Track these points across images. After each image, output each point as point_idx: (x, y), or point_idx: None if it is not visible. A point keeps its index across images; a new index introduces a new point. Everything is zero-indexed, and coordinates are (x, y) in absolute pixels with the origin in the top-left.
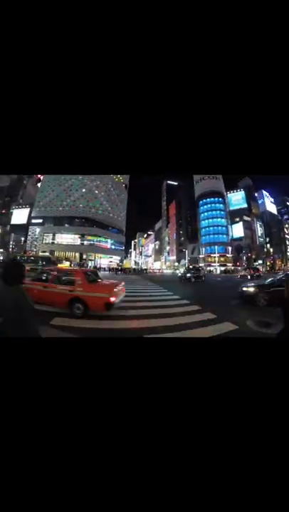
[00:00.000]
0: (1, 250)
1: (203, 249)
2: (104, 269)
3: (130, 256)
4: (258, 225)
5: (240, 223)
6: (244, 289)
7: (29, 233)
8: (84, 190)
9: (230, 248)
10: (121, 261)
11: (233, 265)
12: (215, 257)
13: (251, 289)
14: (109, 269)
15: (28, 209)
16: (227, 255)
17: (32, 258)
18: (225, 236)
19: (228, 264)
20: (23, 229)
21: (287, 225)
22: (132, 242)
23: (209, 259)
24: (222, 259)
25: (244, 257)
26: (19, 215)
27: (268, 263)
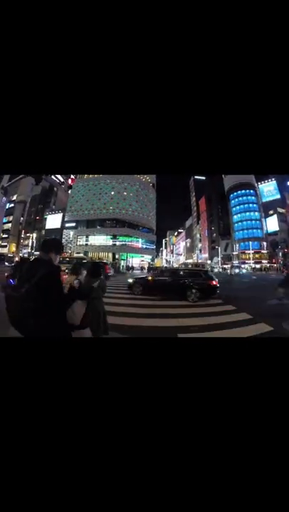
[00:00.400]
0: (38, 253)
1: (237, 245)
2: (136, 269)
3: (161, 255)
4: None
5: (275, 216)
6: None
7: (64, 236)
8: (113, 192)
9: (265, 244)
10: (152, 260)
11: (268, 262)
12: (249, 253)
13: None
14: (141, 268)
15: (61, 214)
16: (262, 251)
17: (68, 259)
18: (259, 231)
19: (263, 261)
20: (57, 233)
21: None
22: (163, 240)
23: (244, 256)
24: (257, 255)
25: (280, 253)
26: (53, 220)
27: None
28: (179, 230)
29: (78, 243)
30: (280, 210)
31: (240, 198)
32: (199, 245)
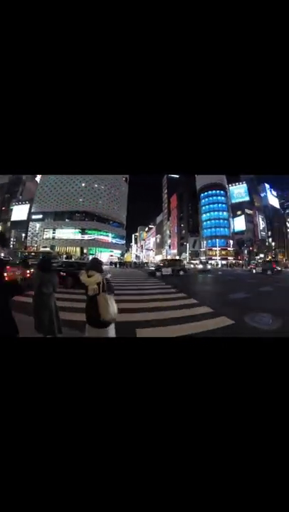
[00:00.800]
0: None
1: (205, 242)
2: (105, 264)
3: (131, 250)
4: (260, 218)
5: (242, 216)
6: None
7: (29, 229)
8: (83, 184)
9: (231, 242)
10: (122, 255)
11: (234, 259)
12: (216, 250)
13: None
14: (110, 264)
15: (28, 205)
16: (228, 249)
17: (33, 254)
18: (226, 229)
19: (229, 258)
20: (23, 225)
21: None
22: (133, 235)
23: (210, 253)
24: (223, 252)
25: (245, 251)
26: (19, 212)
27: (270, 257)
28: (150, 226)
29: (45, 236)
30: (247, 211)
31: (211, 198)
32: (169, 241)
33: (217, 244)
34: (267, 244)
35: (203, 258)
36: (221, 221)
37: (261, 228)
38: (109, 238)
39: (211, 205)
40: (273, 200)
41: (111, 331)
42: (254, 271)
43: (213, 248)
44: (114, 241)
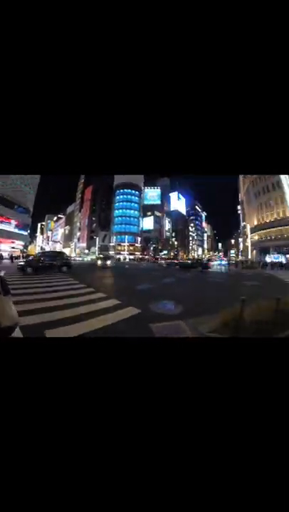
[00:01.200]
0: None
1: (114, 237)
2: (5, 258)
3: (36, 241)
4: (167, 221)
5: (152, 217)
6: None
7: None
8: None
9: (139, 238)
10: (25, 247)
11: (141, 254)
12: (125, 245)
13: None
14: (11, 258)
15: None
16: (136, 245)
17: None
18: (136, 227)
19: (136, 253)
20: None
21: (192, 225)
22: (39, 224)
23: (119, 248)
24: (131, 248)
25: (151, 248)
26: None
27: (172, 254)
28: (60, 216)
29: None
30: (157, 213)
31: (125, 196)
32: (78, 234)
33: (126, 240)
34: (170, 243)
35: (112, 253)
36: (132, 219)
37: (167, 229)
38: (11, 227)
39: (125, 203)
40: (180, 207)
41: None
42: (163, 262)
43: (122, 243)
44: (17, 230)
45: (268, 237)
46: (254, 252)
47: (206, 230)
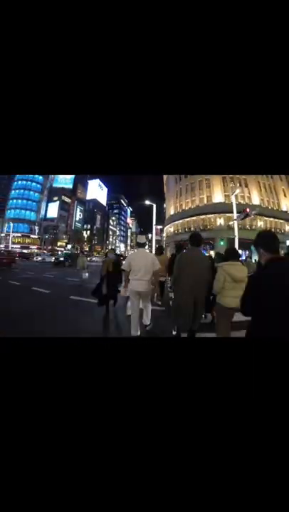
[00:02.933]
0: None
1: (6, 225)
2: None
3: None
4: (78, 209)
5: (57, 203)
6: None
7: None
8: None
9: (37, 228)
10: None
11: (38, 248)
12: (16, 236)
13: None
14: None
15: None
16: (32, 236)
17: None
18: (33, 213)
19: (31, 247)
20: None
21: (113, 218)
22: None
23: (13, 240)
24: (28, 240)
25: (49, 239)
26: None
27: (82, 248)
28: None
29: None
30: (65, 198)
31: (28, 175)
32: None
33: (17, 230)
34: (80, 235)
35: (1, 246)
36: (30, 202)
37: (77, 219)
38: None
39: (25, 182)
40: (101, 197)
41: None
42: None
43: (13, 234)
44: None
45: (186, 229)
46: (168, 248)
47: (130, 225)
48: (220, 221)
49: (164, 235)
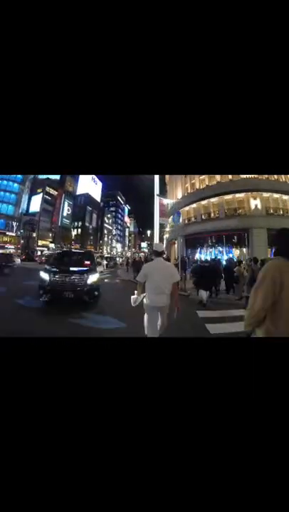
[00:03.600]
0: None
1: None
2: None
3: None
4: (67, 203)
5: (41, 195)
6: None
7: None
8: None
9: (15, 224)
10: None
11: (16, 247)
12: None
13: None
14: None
15: None
16: (8, 233)
17: None
18: (12, 207)
19: (9, 246)
20: None
21: (109, 215)
22: None
23: None
24: (6, 238)
25: (23, 235)
26: None
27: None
28: None
29: None
30: (51, 190)
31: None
32: None
33: None
34: (67, 233)
35: None
36: (8, 194)
37: (65, 215)
38: None
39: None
40: (95, 192)
41: None
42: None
43: None
44: None
45: (202, 216)
46: (174, 246)
47: (128, 225)
48: (255, 203)
49: (168, 227)
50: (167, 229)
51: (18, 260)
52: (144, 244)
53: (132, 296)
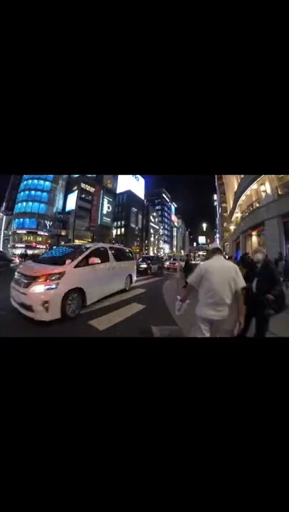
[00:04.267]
0: None
1: (15, 221)
2: None
3: None
4: (106, 200)
5: (76, 192)
6: None
7: None
8: None
9: (48, 223)
10: None
11: (48, 247)
12: (21, 233)
13: None
14: None
15: None
16: (39, 232)
17: None
18: (44, 205)
19: (40, 246)
20: None
21: (154, 214)
22: None
23: (26, 237)
24: (31, 237)
25: (44, 232)
26: None
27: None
28: None
29: None
30: (87, 187)
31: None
32: None
33: (23, 225)
34: (107, 233)
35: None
36: (39, 193)
37: (105, 212)
38: None
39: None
40: (138, 189)
41: None
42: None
43: (18, 231)
44: None
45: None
46: (253, 240)
47: (176, 224)
48: None
49: (233, 225)
50: (232, 227)
51: (16, 260)
52: (202, 240)
53: (177, 303)
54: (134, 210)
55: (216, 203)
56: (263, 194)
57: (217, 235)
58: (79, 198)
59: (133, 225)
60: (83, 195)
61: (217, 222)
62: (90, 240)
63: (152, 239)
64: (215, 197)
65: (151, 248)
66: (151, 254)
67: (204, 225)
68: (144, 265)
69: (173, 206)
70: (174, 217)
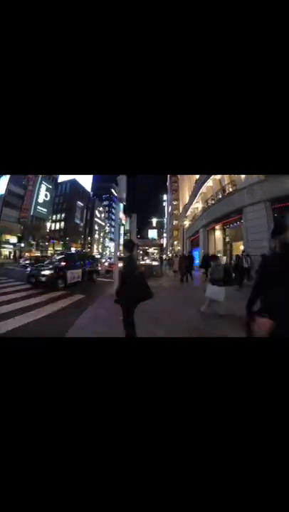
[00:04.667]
0: None
1: None
2: None
3: None
4: (44, 187)
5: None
6: None
7: None
8: None
9: None
10: None
11: None
12: None
13: None
14: None
15: None
16: None
17: None
18: None
19: None
20: None
21: (100, 209)
22: None
23: None
24: None
25: None
26: None
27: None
28: None
29: None
30: None
31: None
32: None
33: None
34: (40, 227)
35: None
36: None
37: (41, 201)
38: None
39: None
40: (85, 181)
41: None
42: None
43: None
44: None
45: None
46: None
47: (123, 222)
48: None
49: (187, 221)
50: (186, 222)
51: None
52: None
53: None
54: (80, 203)
55: (165, 204)
56: (242, 175)
57: (164, 235)
58: (11, 180)
59: (77, 221)
60: (17, 179)
61: (165, 221)
62: (20, 235)
63: (97, 236)
64: (165, 197)
65: (95, 246)
66: (95, 252)
67: (154, 220)
68: (46, 271)
69: (121, 204)
70: (121, 215)
